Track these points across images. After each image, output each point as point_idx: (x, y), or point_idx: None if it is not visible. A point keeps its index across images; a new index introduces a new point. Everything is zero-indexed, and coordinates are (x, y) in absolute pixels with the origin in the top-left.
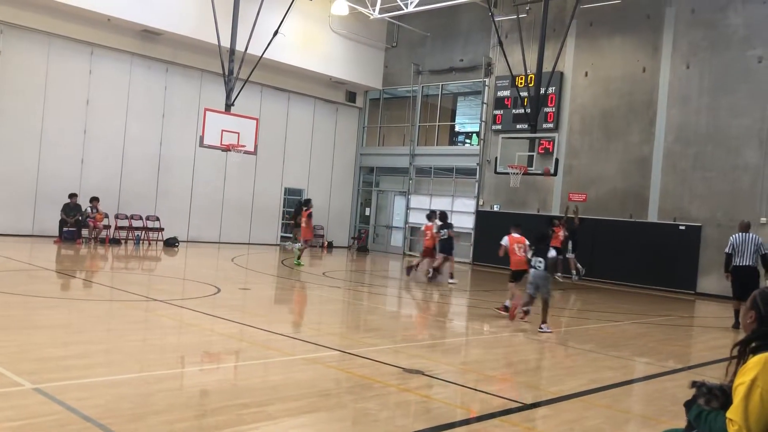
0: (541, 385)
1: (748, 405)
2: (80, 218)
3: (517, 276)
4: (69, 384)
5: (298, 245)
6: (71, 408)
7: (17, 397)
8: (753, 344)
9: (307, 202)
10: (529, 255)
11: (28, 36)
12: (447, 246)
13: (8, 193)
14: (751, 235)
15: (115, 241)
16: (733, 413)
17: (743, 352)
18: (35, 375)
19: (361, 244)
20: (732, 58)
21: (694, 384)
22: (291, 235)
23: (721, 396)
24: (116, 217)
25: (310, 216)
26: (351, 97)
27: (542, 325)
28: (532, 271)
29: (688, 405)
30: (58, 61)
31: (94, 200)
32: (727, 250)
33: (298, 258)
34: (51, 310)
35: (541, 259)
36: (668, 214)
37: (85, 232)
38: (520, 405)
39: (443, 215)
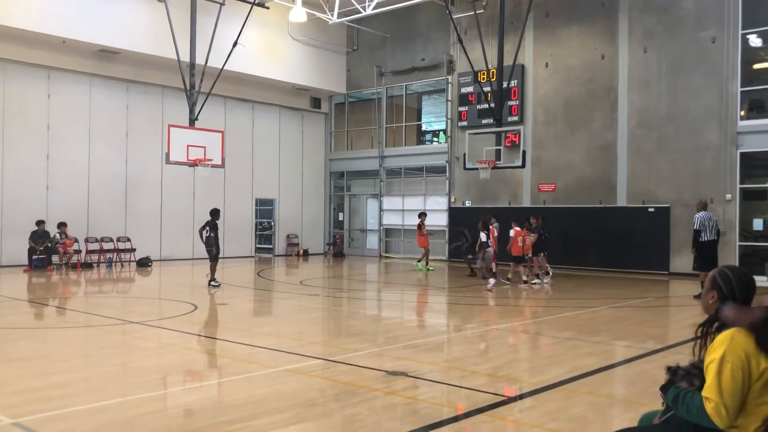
0: (524, 377)
1: (720, 381)
2: (49, 245)
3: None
4: (50, 415)
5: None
6: None
7: None
8: (716, 324)
9: (421, 215)
10: (483, 237)
11: None
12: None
13: None
14: (710, 213)
15: (87, 265)
16: (708, 391)
17: (707, 332)
18: (14, 409)
19: (337, 249)
20: (686, 41)
21: (669, 369)
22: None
23: (699, 373)
24: (86, 240)
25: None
26: (316, 103)
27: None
28: (489, 249)
29: (665, 389)
30: (15, 87)
31: (62, 225)
32: (696, 227)
33: (426, 264)
34: (26, 341)
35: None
36: (637, 197)
37: (55, 258)
38: (505, 398)
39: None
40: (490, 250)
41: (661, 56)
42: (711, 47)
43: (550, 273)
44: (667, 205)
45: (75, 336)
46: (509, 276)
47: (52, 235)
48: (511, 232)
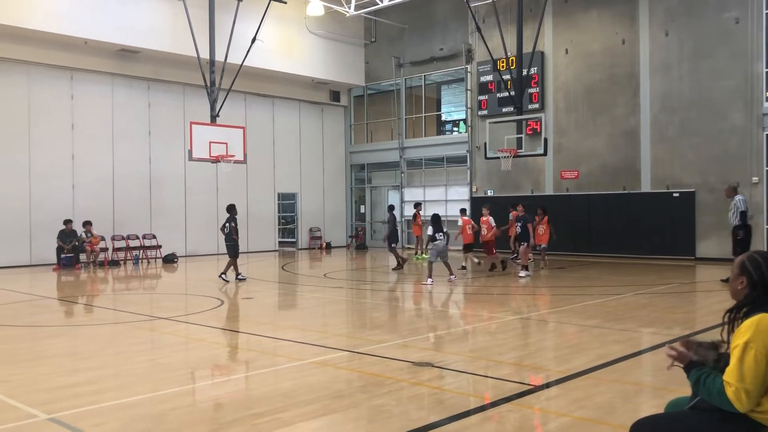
0: (550, 366)
1: (743, 366)
2: (77, 244)
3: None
4: (82, 411)
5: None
6: None
7: (34, 428)
8: (744, 309)
9: (417, 206)
10: (429, 231)
11: (7, 67)
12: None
13: (3, 226)
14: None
15: (114, 263)
16: (729, 375)
17: (735, 318)
18: (48, 405)
19: (359, 241)
20: (709, 22)
21: (687, 344)
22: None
23: (712, 347)
24: (113, 238)
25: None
26: (335, 96)
27: (450, 276)
28: (437, 242)
29: (688, 369)
30: (40, 89)
31: (87, 224)
32: (742, 208)
33: (422, 254)
34: (57, 339)
35: (441, 234)
36: (661, 182)
37: (83, 256)
38: (531, 387)
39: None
40: (440, 242)
41: (683, 39)
42: (735, 28)
43: (529, 269)
44: (692, 190)
45: (104, 333)
46: (464, 264)
47: (78, 234)
48: (459, 221)
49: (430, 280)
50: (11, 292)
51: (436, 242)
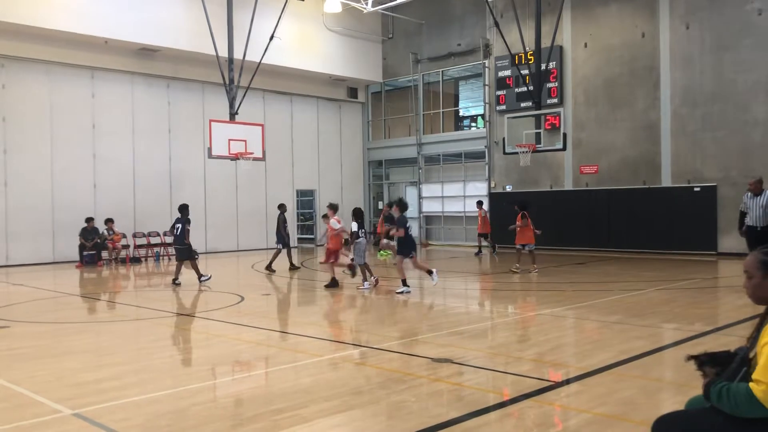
0: (570, 362)
1: None
2: (99, 241)
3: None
4: (106, 406)
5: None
6: (112, 430)
7: (59, 423)
8: None
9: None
10: (354, 227)
11: (29, 66)
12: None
13: (26, 224)
14: None
15: (136, 260)
16: (760, 374)
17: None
18: (73, 400)
19: (378, 237)
20: (731, 14)
21: (691, 358)
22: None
23: (726, 357)
24: (134, 236)
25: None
26: (352, 92)
27: (366, 283)
28: (360, 240)
29: (707, 391)
30: (61, 88)
31: (109, 222)
32: None
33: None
34: (80, 335)
35: (363, 230)
36: (682, 177)
37: (105, 254)
38: (552, 383)
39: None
40: (362, 241)
41: (705, 31)
42: (758, 19)
43: (407, 283)
44: (714, 184)
45: (126, 329)
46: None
47: (100, 232)
48: (334, 222)
49: (366, 283)
50: (35, 289)
51: (359, 240)
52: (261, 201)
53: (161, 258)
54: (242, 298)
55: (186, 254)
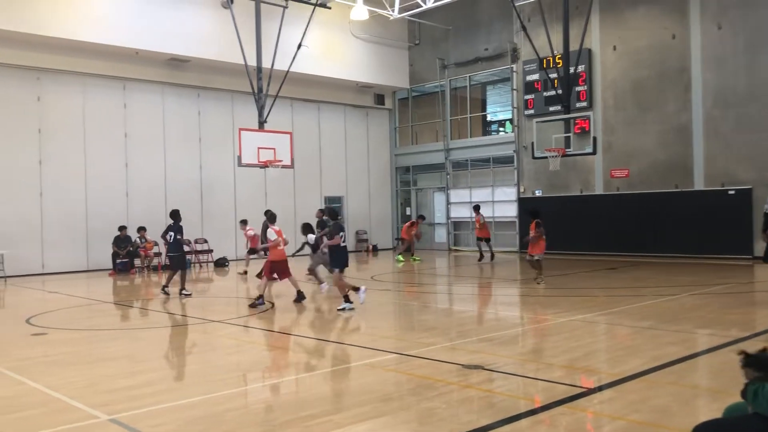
0: (603, 368)
1: None
2: (131, 249)
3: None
4: (141, 412)
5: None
6: None
7: (96, 429)
8: None
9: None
10: (311, 240)
11: (63, 79)
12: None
13: (61, 233)
14: None
15: (168, 267)
16: None
17: None
18: (108, 406)
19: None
20: (765, 13)
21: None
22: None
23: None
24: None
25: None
26: (379, 99)
27: (322, 285)
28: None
29: (744, 389)
30: (94, 99)
31: (142, 230)
32: None
33: (412, 255)
34: (114, 342)
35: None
36: (715, 180)
37: (137, 261)
38: (584, 390)
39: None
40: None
41: (737, 31)
42: None
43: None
44: (749, 187)
45: (159, 336)
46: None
47: (133, 240)
48: (270, 232)
49: (324, 285)
50: (70, 297)
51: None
52: (290, 208)
53: (192, 265)
54: (272, 305)
55: (181, 263)
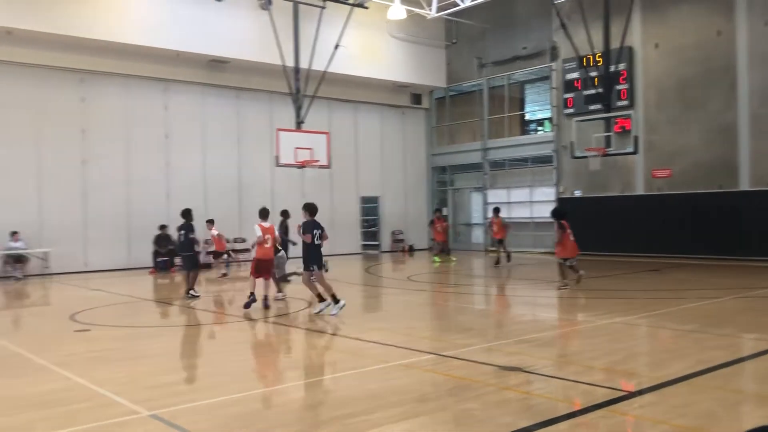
0: (644, 371)
1: None
2: (172, 248)
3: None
4: (182, 408)
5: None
6: (187, 431)
7: (137, 424)
8: None
9: (560, 215)
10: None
11: (106, 80)
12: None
13: (104, 232)
14: None
15: (207, 266)
16: None
17: None
18: (150, 402)
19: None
20: None
21: None
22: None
23: None
24: (205, 242)
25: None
26: (416, 99)
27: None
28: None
29: None
30: (135, 100)
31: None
32: None
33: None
34: (155, 339)
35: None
36: (762, 180)
37: (177, 260)
38: (625, 393)
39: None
40: (282, 254)
41: None
42: None
43: (284, 293)
44: None
45: (198, 333)
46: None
47: (173, 239)
48: (256, 229)
49: (280, 294)
50: (112, 294)
51: (279, 253)
52: (326, 207)
53: (230, 264)
54: (310, 304)
55: (194, 263)
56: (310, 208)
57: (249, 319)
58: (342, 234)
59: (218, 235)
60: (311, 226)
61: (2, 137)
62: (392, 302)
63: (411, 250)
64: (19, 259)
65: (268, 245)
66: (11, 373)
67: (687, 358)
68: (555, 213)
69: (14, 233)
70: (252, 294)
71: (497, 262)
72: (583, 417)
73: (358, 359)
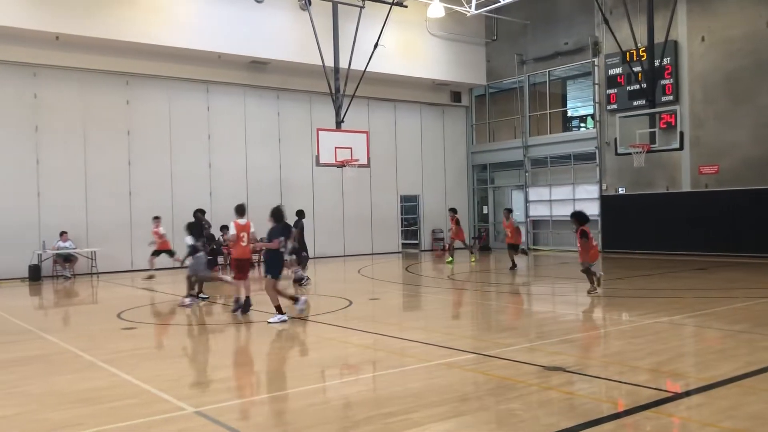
0: (692, 372)
1: None
2: (214, 247)
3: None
4: (225, 405)
5: None
6: (232, 429)
7: (183, 420)
8: None
9: (581, 219)
10: (190, 242)
11: (150, 82)
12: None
13: (149, 231)
14: None
15: (251, 265)
16: None
17: None
18: (194, 399)
19: (483, 243)
20: None
21: None
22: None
23: None
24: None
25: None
26: (456, 97)
27: (185, 299)
28: (199, 255)
29: None
30: (179, 101)
31: (225, 228)
32: None
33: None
34: (198, 337)
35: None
36: None
37: (220, 259)
38: (672, 394)
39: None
40: (201, 255)
41: None
42: None
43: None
44: None
45: (241, 332)
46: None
47: (216, 238)
48: (231, 226)
49: (188, 299)
50: (157, 293)
51: (198, 255)
52: (366, 207)
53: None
54: (350, 302)
55: (209, 265)
56: (276, 214)
57: (293, 317)
58: (382, 233)
59: (164, 234)
60: (279, 232)
61: (52, 141)
62: (432, 301)
63: (451, 248)
64: (68, 259)
65: (245, 243)
66: (61, 369)
67: (736, 359)
68: (579, 217)
69: (63, 233)
70: (238, 298)
71: (513, 266)
72: (628, 418)
73: (398, 358)
